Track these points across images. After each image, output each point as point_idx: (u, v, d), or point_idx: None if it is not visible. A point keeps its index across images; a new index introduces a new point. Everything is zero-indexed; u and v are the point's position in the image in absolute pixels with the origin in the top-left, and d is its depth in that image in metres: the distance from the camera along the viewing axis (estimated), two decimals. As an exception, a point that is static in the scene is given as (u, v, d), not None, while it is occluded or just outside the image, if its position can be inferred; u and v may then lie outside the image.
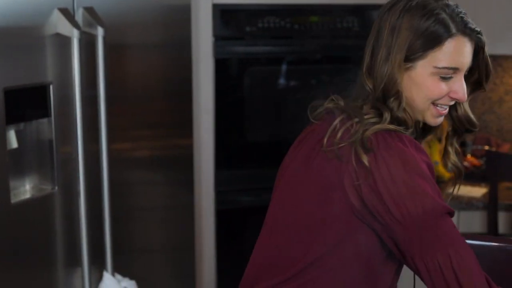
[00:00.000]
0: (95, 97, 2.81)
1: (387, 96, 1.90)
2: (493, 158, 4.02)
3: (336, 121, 1.90)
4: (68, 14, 2.69)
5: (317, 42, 3.86)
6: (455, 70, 1.90)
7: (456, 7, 1.94)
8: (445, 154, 2.10)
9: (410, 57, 1.90)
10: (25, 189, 2.76)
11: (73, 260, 2.88)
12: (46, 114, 2.73)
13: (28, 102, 2.70)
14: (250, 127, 3.91)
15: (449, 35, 1.87)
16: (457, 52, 1.89)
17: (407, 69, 1.91)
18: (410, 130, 1.93)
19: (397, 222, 1.77)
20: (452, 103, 1.96)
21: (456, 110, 2.03)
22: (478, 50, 1.95)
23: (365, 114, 1.90)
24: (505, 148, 4.57)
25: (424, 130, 2.12)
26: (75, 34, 2.67)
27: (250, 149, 3.94)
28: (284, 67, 3.92)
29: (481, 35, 1.93)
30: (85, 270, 2.86)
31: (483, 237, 2.17)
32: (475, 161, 4.53)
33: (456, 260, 1.76)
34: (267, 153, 3.92)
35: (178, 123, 3.47)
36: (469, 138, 4.69)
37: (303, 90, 4.02)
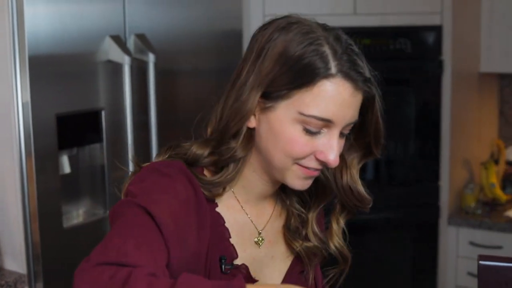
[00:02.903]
0: (146, 123, 2.84)
1: (224, 138, 1.50)
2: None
3: None
4: (119, 41, 2.73)
5: (371, 65, 3.84)
6: (328, 123, 1.42)
7: (349, 42, 1.45)
8: (329, 233, 1.66)
9: (272, 94, 1.43)
10: (77, 214, 2.79)
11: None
12: (98, 139, 2.76)
13: (81, 128, 2.74)
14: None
15: (326, 74, 1.39)
16: (332, 99, 1.40)
17: (266, 109, 1.45)
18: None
19: None
20: (321, 167, 1.49)
21: (341, 177, 1.58)
22: (368, 105, 1.48)
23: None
24: None
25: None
26: (126, 61, 2.71)
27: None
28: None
29: (371, 84, 1.45)
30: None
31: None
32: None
33: None
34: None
35: (232, 147, 3.45)
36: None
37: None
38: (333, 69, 1.39)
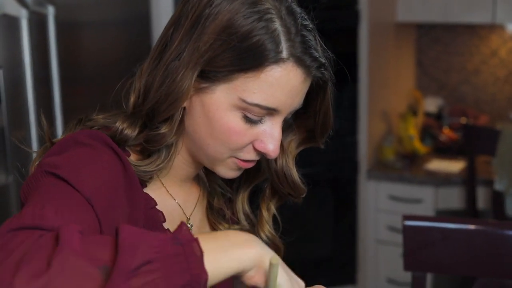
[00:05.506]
0: (48, 79, 2.67)
1: (154, 118, 1.28)
2: (470, 132, 3.92)
3: None
4: (15, -8, 2.55)
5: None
6: (271, 111, 1.26)
7: (303, 17, 1.26)
8: (259, 221, 1.51)
9: (209, 74, 1.23)
10: (-24, 180, 2.63)
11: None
12: (-3, 99, 2.59)
13: (-23, 87, 2.56)
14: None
15: (276, 59, 1.21)
16: (280, 86, 1.23)
17: (200, 90, 1.25)
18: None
19: None
20: (258, 157, 1.33)
21: (276, 160, 1.42)
22: (318, 89, 1.32)
23: None
24: (482, 120, 4.47)
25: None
26: (23, 14, 2.53)
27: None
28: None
29: (325, 69, 1.28)
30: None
31: (461, 220, 2.03)
32: (452, 135, 4.42)
33: None
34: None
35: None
36: (445, 111, 4.58)
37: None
38: (285, 53, 1.21)
